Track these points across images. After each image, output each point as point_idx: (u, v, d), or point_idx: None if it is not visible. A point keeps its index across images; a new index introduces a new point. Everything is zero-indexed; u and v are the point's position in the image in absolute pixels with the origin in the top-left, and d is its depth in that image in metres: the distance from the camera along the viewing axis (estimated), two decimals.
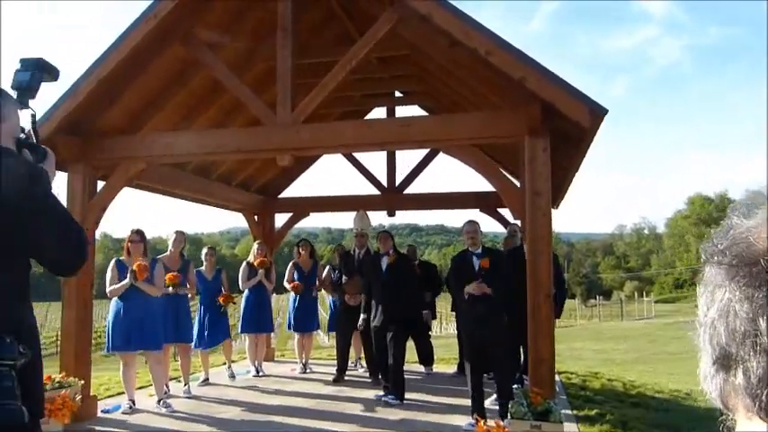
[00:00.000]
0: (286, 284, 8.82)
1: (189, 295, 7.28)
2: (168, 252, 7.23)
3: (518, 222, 8.03)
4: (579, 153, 5.98)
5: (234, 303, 8.10)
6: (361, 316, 7.38)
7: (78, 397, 5.75)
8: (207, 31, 6.18)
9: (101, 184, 6.51)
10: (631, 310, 45.79)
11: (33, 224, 1.80)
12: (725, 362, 0.56)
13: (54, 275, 2.03)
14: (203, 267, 7.85)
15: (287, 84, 5.77)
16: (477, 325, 5.63)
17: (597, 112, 4.88)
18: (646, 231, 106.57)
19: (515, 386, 5.95)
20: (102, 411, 6.34)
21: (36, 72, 1.94)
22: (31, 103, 1.96)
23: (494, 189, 6.00)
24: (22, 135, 1.94)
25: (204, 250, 8.17)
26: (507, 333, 5.65)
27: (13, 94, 1.93)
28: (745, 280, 0.54)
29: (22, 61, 1.96)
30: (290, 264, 8.92)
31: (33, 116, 1.96)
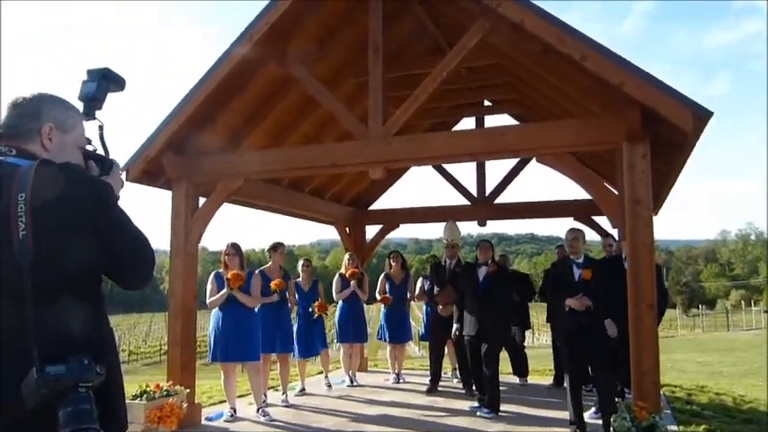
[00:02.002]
0: (377, 296, 8.92)
1: (289, 306, 7.50)
2: (270, 264, 7.47)
3: (614, 232, 7.79)
4: (681, 158, 5.73)
5: (326, 314, 8.26)
6: (454, 326, 7.34)
7: (185, 405, 6.03)
8: (300, 49, 6.38)
9: (201, 200, 6.84)
10: (738, 321, 43.08)
11: (104, 241, 1.78)
12: None
13: (125, 289, 1.97)
14: (300, 279, 8.07)
15: (378, 97, 5.87)
16: (578, 337, 5.49)
17: (701, 115, 4.66)
18: (752, 237, 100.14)
19: (617, 400, 5.75)
20: (205, 419, 6.59)
21: (102, 82, 1.92)
22: (99, 114, 1.94)
23: (587, 197, 5.85)
24: (89, 146, 1.94)
25: (300, 262, 8.38)
26: (608, 345, 5.47)
27: (80, 105, 1.92)
28: None
29: (89, 72, 1.93)
30: (382, 275, 9.02)
31: (101, 127, 1.95)
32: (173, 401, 5.84)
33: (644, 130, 4.91)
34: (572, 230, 5.83)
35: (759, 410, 7.71)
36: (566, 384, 5.82)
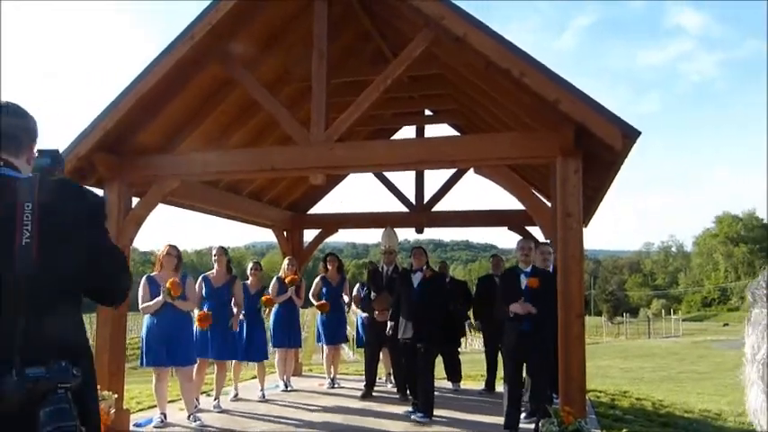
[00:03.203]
0: (312, 300, 8.90)
1: (235, 311, 7.41)
2: (214, 271, 7.37)
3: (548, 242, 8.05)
4: (610, 174, 5.99)
5: (270, 307, 8.24)
6: (389, 323, 7.40)
7: (112, 411, 5.85)
8: (243, 51, 6.32)
9: (135, 201, 6.66)
10: (659, 328, 45.07)
11: (92, 263, 1.92)
12: None
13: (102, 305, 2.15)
14: (249, 281, 7.99)
15: (321, 103, 5.88)
16: (521, 342, 5.66)
17: (630, 135, 4.89)
18: (674, 249, 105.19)
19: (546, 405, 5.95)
20: (134, 425, 6.40)
21: (53, 160, 2.01)
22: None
23: (521, 208, 6.04)
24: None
25: (249, 265, 8.34)
26: (546, 352, 5.67)
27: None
28: None
29: (39, 151, 2.03)
30: (318, 278, 9.01)
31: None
32: (101, 407, 5.66)
33: (577, 147, 5.10)
34: (525, 240, 6.04)
35: (675, 414, 8.13)
36: (503, 389, 5.98)
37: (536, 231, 9.11)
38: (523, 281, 5.76)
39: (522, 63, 5.04)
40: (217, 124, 7.31)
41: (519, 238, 9.78)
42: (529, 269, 5.84)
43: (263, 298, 7.97)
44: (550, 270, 6.08)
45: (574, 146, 5.07)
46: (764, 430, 0.63)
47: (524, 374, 6.18)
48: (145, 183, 6.59)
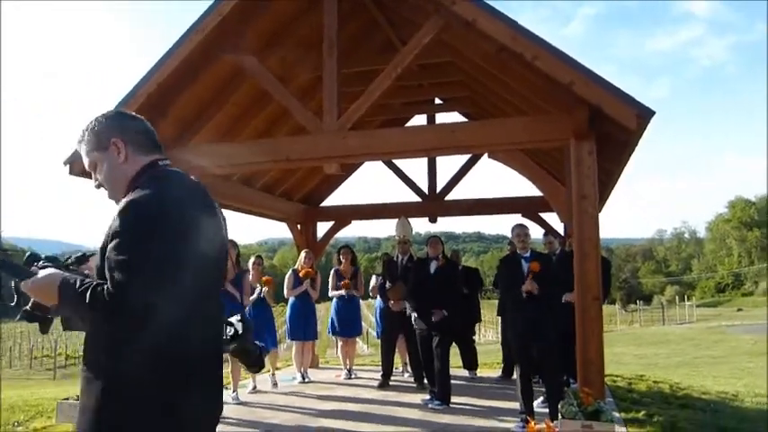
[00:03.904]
0: (332, 293, 8.89)
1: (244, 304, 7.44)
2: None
3: (560, 228, 8.04)
4: (624, 156, 5.96)
5: (268, 287, 8.14)
6: (408, 308, 7.38)
7: None
8: (253, 42, 6.34)
9: None
10: (673, 315, 44.79)
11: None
12: None
13: None
14: (250, 276, 8.01)
15: (333, 92, 5.89)
16: (527, 327, 5.66)
17: (644, 115, 4.87)
18: (686, 235, 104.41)
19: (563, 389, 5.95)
20: None
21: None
22: None
23: (535, 194, 6.03)
24: None
25: (252, 259, 8.33)
26: (556, 336, 5.66)
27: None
28: None
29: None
30: (332, 270, 9.04)
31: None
32: None
33: (591, 128, 5.09)
34: (520, 226, 6.01)
35: (692, 396, 8.11)
36: (515, 375, 5.98)
37: (549, 218, 9.12)
38: (525, 266, 5.75)
39: (535, 46, 5.02)
40: (229, 117, 7.34)
41: (533, 225, 9.81)
42: (528, 254, 5.84)
43: (263, 279, 7.93)
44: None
45: (588, 127, 5.05)
46: None
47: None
48: None
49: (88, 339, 1.88)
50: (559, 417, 4.65)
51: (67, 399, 6.20)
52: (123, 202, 1.81)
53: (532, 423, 4.82)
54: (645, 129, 5.08)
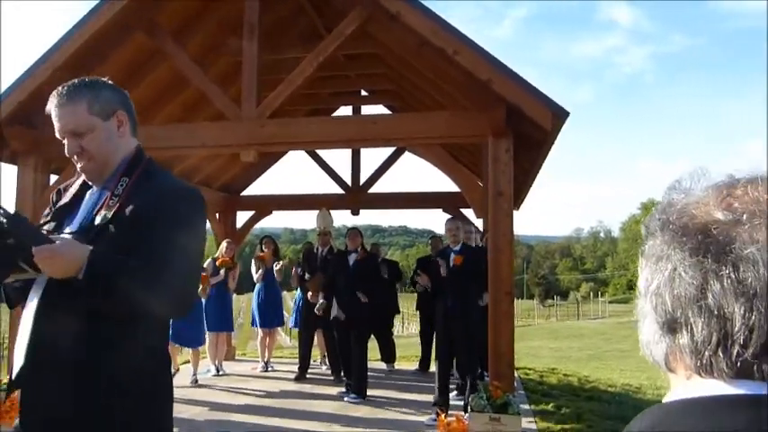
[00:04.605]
0: (257, 281, 8.71)
1: None
2: None
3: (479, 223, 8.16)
4: (541, 155, 6.09)
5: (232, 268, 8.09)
6: (320, 302, 7.37)
7: None
8: (171, 22, 6.09)
9: (53, 178, 6.34)
10: (587, 310, 46.71)
11: None
12: (671, 325, 0.61)
13: None
14: None
15: (252, 78, 5.73)
16: (448, 319, 5.72)
17: (559, 115, 4.98)
18: (602, 235, 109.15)
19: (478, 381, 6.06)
20: None
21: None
22: None
23: (456, 189, 6.08)
24: None
25: None
26: (472, 329, 5.75)
27: None
28: (692, 249, 0.58)
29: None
30: (253, 260, 8.86)
31: None
32: (14, 397, 5.39)
33: (508, 126, 5.16)
34: (451, 220, 6.08)
35: (599, 389, 8.46)
36: (435, 366, 6.04)
37: (471, 213, 9.26)
38: (451, 259, 5.83)
39: (456, 41, 5.04)
40: (144, 98, 7.01)
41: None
42: (458, 247, 5.90)
43: (219, 260, 7.73)
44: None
45: (505, 125, 5.12)
46: (656, 361, 0.64)
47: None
48: (65, 159, 6.25)
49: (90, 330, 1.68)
50: (468, 410, 4.71)
51: None
52: (176, 187, 1.86)
53: (443, 416, 4.86)
54: (560, 129, 5.20)
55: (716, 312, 0.56)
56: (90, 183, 1.92)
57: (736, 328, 0.55)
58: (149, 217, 1.71)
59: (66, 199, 1.97)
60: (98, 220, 1.76)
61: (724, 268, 0.56)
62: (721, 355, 0.57)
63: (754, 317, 0.55)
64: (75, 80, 1.90)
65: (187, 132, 6.13)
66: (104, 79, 1.95)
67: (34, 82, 5.71)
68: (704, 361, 0.58)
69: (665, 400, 0.62)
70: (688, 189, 0.64)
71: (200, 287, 7.51)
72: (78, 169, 1.91)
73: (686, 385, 0.61)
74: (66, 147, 1.87)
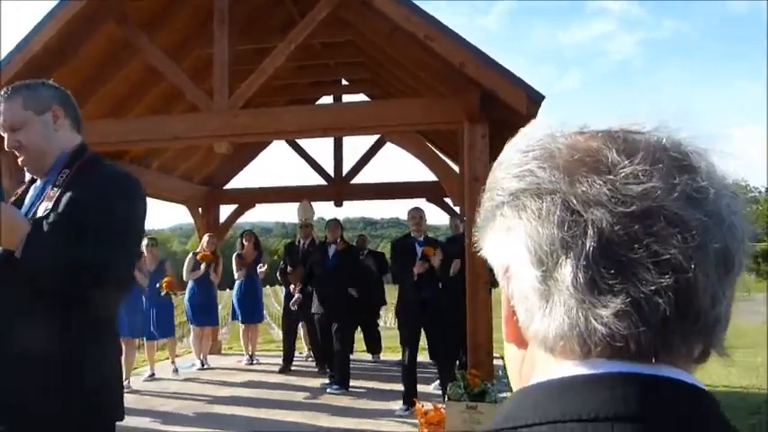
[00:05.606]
0: (236, 275, 8.66)
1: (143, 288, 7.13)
2: None
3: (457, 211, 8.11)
4: None
5: (175, 293, 7.87)
6: (296, 295, 7.35)
7: None
8: (142, 13, 5.98)
9: (27, 177, 6.23)
10: None
11: None
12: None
13: None
14: (144, 259, 7.64)
15: (224, 69, 5.64)
16: (420, 309, 5.67)
17: (535, 99, 4.92)
18: None
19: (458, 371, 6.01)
20: None
21: None
22: None
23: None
24: None
25: (144, 242, 7.92)
26: (449, 320, 5.71)
27: None
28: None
29: None
30: (234, 255, 8.80)
31: None
32: None
33: (483, 112, 5.09)
34: (416, 209, 6.03)
35: None
36: (403, 356, 6.00)
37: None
38: (419, 249, 5.79)
39: (428, 26, 4.97)
40: (117, 92, 6.93)
41: (438, 210, 9.89)
42: (422, 238, 5.87)
43: (164, 281, 7.54)
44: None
45: (480, 111, 5.05)
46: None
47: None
48: None
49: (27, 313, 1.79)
50: (446, 399, 4.67)
51: None
52: (112, 173, 1.96)
53: (420, 405, 4.82)
54: (536, 113, 5.13)
55: None
56: (34, 176, 2.03)
57: None
58: (84, 201, 1.82)
59: (15, 196, 2.09)
60: (40, 212, 1.85)
61: None
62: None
63: None
64: (17, 82, 2.02)
65: (159, 125, 6.04)
66: (46, 81, 2.07)
67: (3, 78, 5.57)
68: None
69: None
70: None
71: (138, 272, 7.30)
72: (20, 163, 2.01)
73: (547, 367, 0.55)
74: (5, 142, 1.99)
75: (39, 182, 2.01)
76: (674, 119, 0.54)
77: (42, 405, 1.77)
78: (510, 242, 0.55)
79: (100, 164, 1.99)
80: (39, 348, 1.71)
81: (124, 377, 7.02)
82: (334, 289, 6.75)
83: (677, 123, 0.54)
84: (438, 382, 6.49)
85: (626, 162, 0.50)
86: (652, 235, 0.48)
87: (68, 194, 1.84)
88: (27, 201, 1.99)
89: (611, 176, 0.50)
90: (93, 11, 5.60)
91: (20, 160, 1.99)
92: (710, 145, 0.53)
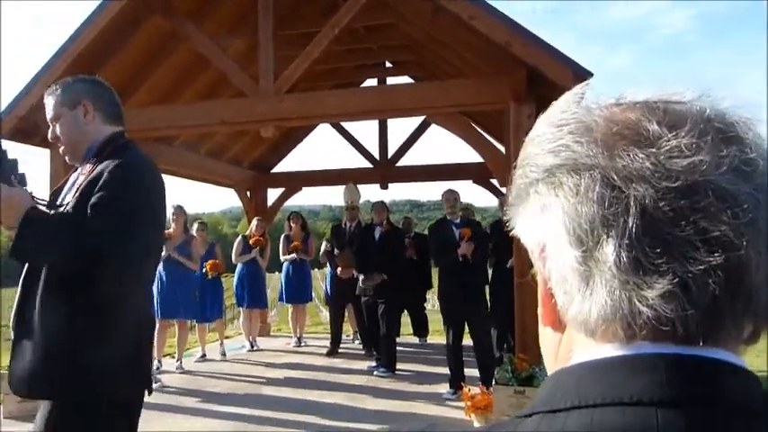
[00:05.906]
0: (283, 258, 8.76)
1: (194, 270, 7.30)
2: (171, 229, 7.13)
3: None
4: None
5: (220, 273, 8.02)
6: (360, 278, 7.33)
7: None
8: (188, 3, 6.06)
9: None
10: None
11: None
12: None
13: None
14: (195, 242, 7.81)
15: (269, 54, 5.68)
16: (461, 293, 5.63)
17: (582, 76, 4.78)
18: None
19: (506, 355, 5.97)
20: None
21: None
22: None
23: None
24: None
25: (195, 226, 8.10)
26: (492, 303, 5.67)
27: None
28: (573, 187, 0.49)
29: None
30: (282, 237, 8.91)
31: None
32: None
33: (529, 91, 4.99)
34: (450, 191, 5.98)
35: None
36: (447, 340, 5.98)
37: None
38: (456, 232, 5.73)
39: (471, 6, 4.88)
40: (167, 80, 7.06)
41: (486, 192, 9.78)
42: (458, 220, 5.81)
43: (208, 264, 7.68)
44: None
45: (526, 90, 4.95)
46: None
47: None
48: None
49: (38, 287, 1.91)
50: (493, 383, 4.65)
51: None
52: (125, 157, 1.99)
53: (467, 388, 4.81)
54: None
55: None
56: (75, 165, 2.17)
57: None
58: (91, 188, 1.93)
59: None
60: (68, 199, 2.00)
61: None
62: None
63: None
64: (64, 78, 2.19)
65: (206, 111, 6.12)
66: (83, 76, 2.22)
67: (59, 68, 5.75)
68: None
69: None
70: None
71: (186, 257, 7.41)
72: (60, 153, 2.19)
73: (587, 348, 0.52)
74: (49, 133, 2.17)
75: (78, 171, 2.13)
76: (716, 87, 0.51)
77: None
78: (545, 221, 0.52)
79: (122, 152, 2.05)
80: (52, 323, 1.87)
81: (176, 358, 7.29)
82: (378, 270, 6.76)
83: (719, 92, 0.50)
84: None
85: (669, 135, 0.47)
86: (699, 211, 0.45)
87: (87, 181, 1.96)
88: (65, 188, 2.12)
89: (654, 149, 0.47)
90: (139, 7, 5.71)
91: (60, 150, 2.17)
92: (755, 114, 0.50)
